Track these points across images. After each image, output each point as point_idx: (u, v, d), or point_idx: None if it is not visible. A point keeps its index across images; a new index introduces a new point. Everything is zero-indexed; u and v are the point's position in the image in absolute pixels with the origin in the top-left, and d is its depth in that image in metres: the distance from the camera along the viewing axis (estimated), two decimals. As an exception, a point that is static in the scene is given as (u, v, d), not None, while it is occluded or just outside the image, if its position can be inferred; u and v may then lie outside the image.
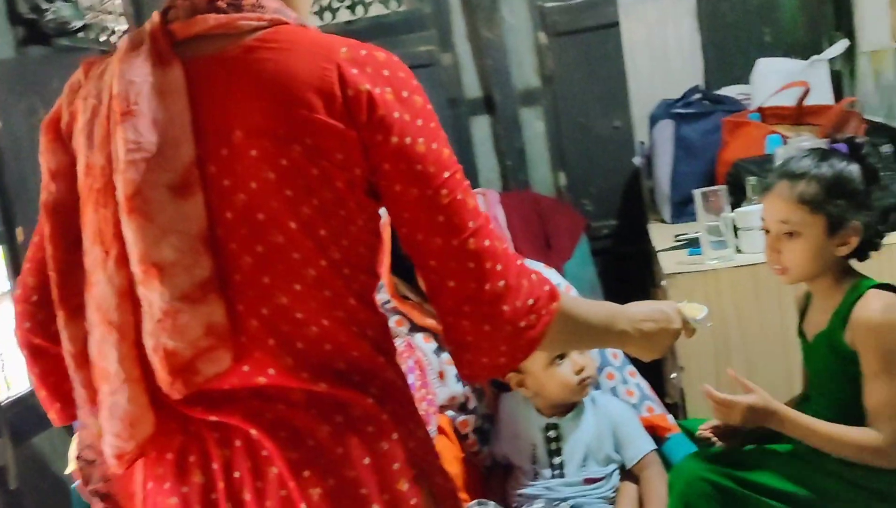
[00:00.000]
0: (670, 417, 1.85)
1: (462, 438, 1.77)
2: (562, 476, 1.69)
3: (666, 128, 3.21)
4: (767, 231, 1.71)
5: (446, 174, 1.03)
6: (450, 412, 1.76)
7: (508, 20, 4.06)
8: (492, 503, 1.69)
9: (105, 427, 1.05)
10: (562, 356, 1.70)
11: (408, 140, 1.01)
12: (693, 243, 2.56)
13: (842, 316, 1.65)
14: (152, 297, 0.97)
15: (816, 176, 1.64)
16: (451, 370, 1.76)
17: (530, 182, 4.09)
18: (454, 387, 1.75)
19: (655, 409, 1.82)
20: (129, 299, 1.00)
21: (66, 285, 1.07)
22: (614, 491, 1.73)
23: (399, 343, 1.76)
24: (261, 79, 0.99)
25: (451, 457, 1.71)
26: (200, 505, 1.03)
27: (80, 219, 1.05)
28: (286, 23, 1.03)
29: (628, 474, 1.75)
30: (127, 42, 1.03)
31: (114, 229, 1.00)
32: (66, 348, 1.08)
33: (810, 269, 1.67)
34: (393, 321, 1.79)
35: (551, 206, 3.89)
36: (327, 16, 4.32)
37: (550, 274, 1.99)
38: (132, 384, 1.02)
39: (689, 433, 1.79)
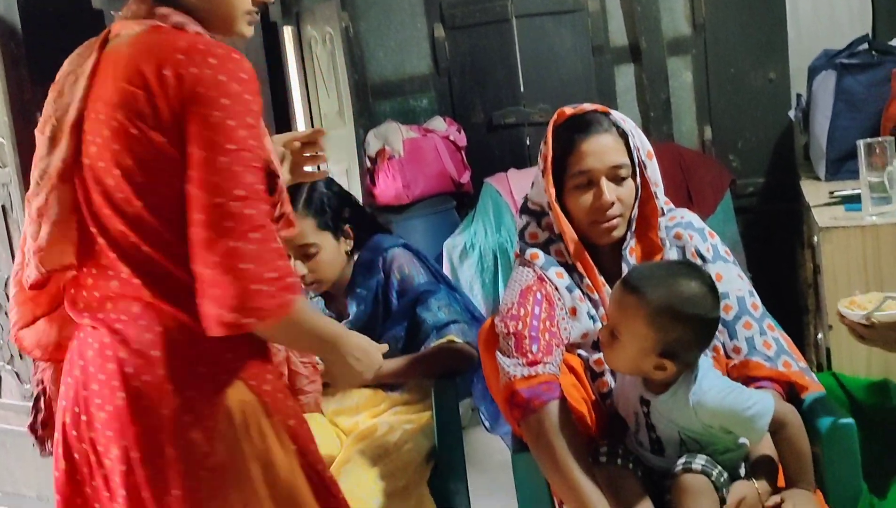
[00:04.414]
0: (810, 375, 1.73)
1: (597, 376, 1.71)
2: (661, 453, 1.59)
3: (827, 80, 3.02)
4: None
5: (231, 147, 1.27)
6: (582, 352, 1.71)
7: (660, -36, 3.90)
8: None
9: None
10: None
11: (205, 111, 1.27)
12: (850, 200, 2.41)
13: None
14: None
15: None
16: (584, 307, 1.71)
17: (674, 135, 3.96)
18: (586, 324, 1.70)
19: (793, 365, 1.70)
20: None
21: None
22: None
23: (530, 276, 1.72)
24: (117, 65, 1.34)
25: (578, 397, 1.66)
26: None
27: None
28: (161, 27, 1.36)
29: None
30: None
31: None
32: None
33: None
34: (528, 254, 1.76)
35: (695, 160, 3.76)
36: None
37: (692, 219, 1.89)
38: None
39: (844, 390, 1.68)
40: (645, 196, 1.73)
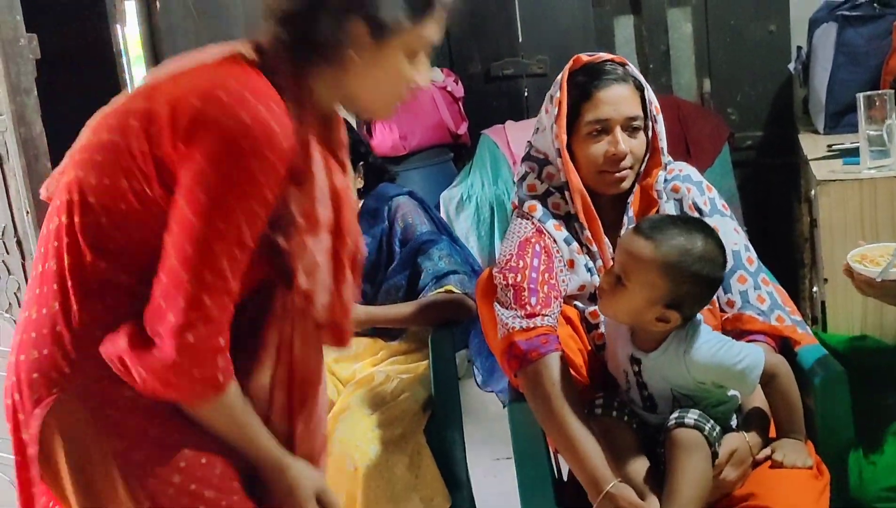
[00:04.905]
0: (804, 328, 1.74)
1: (592, 328, 1.72)
2: (654, 410, 1.60)
3: (828, 32, 2.98)
4: None
5: (220, 225, 1.14)
6: (578, 304, 1.72)
7: (661, -87, 3.84)
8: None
9: None
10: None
11: (209, 171, 1.14)
12: (848, 153, 2.40)
13: None
14: None
15: None
16: (582, 260, 1.71)
17: (673, 87, 3.93)
18: (584, 276, 1.70)
19: (786, 319, 1.71)
20: None
21: None
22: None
23: (529, 228, 1.73)
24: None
25: (575, 348, 1.68)
26: None
27: None
28: (242, 59, 1.23)
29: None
30: None
31: None
32: None
33: None
34: (526, 206, 1.76)
35: (693, 112, 3.74)
36: None
37: (691, 172, 1.89)
38: None
39: (827, 347, 1.70)
40: (651, 150, 1.73)
